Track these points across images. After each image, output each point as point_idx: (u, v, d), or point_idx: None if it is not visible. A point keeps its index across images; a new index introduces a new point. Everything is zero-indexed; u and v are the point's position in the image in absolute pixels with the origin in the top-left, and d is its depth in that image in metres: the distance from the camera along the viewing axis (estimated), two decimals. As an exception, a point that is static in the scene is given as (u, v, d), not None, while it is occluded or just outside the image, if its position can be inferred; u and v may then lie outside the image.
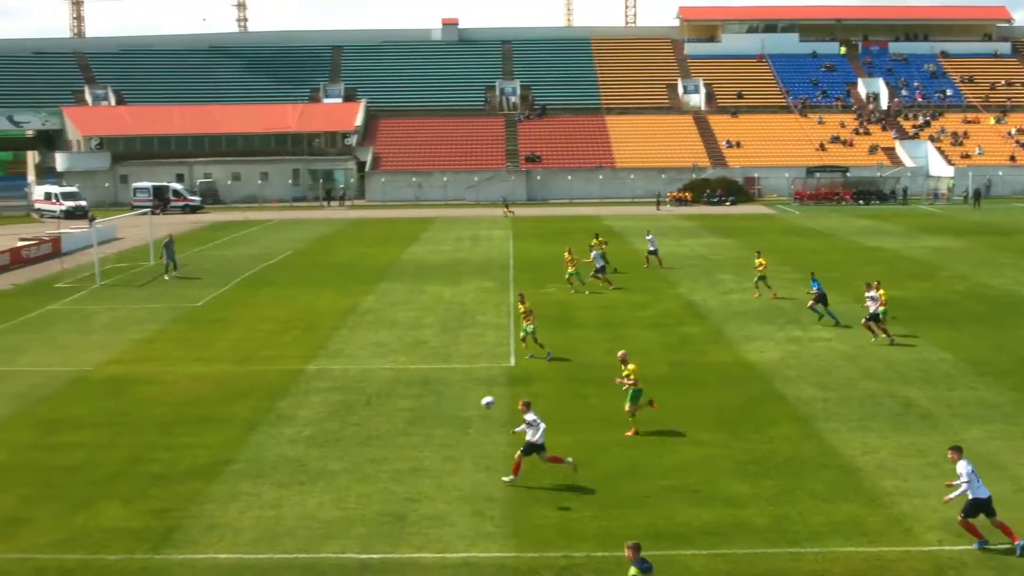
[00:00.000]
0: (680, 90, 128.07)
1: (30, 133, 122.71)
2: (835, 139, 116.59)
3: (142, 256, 62.01)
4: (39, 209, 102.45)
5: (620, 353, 27.96)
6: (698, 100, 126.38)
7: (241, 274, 55.61)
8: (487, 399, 24.99)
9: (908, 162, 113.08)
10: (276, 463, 24.19)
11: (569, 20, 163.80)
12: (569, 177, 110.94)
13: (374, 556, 19.21)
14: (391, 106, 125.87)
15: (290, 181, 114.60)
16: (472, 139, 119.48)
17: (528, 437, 22.91)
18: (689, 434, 26.01)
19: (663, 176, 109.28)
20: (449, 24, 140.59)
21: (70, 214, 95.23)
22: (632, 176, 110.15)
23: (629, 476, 23.08)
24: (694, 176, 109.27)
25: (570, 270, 48.83)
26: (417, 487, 22.56)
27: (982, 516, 19.37)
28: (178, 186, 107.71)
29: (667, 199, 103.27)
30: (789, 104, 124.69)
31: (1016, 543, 19.09)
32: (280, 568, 18.80)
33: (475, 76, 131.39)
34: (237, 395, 30.55)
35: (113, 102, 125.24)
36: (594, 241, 53.65)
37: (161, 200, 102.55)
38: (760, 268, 46.13)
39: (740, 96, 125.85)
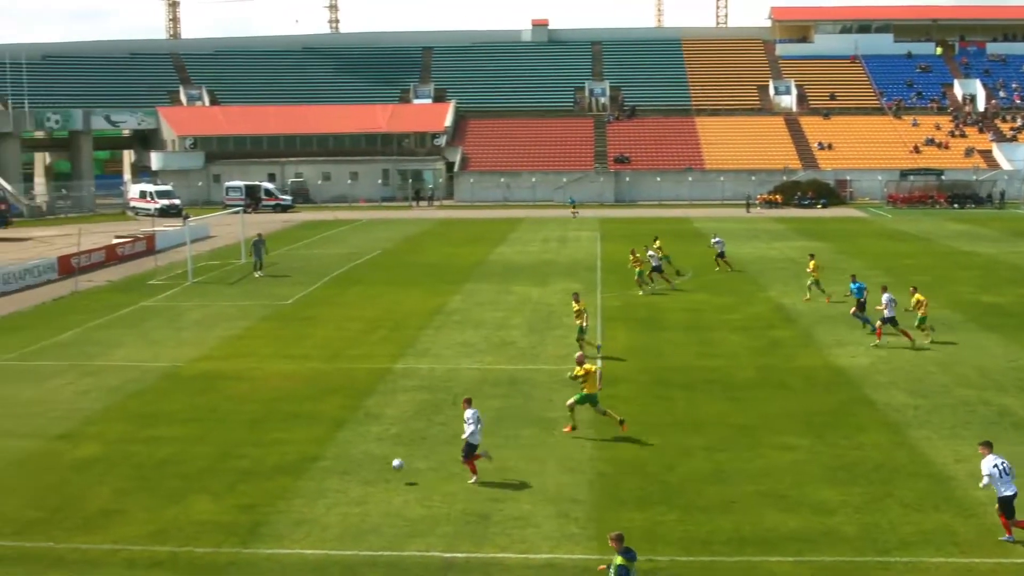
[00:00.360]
0: (771, 91, 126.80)
1: (126, 133, 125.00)
2: (930, 141, 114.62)
3: (233, 254, 62.88)
4: (134, 207, 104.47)
5: (577, 355, 28.13)
6: (789, 101, 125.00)
7: (330, 273, 56.14)
8: (397, 461, 23.36)
9: (1005, 165, 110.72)
10: (363, 460, 24.36)
11: (660, 20, 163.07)
12: (658, 179, 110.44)
13: (458, 555, 19.26)
14: (480, 107, 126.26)
15: (379, 181, 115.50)
16: (561, 140, 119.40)
17: (468, 436, 23.05)
18: (776, 439, 25.70)
19: (753, 178, 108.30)
20: (539, 25, 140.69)
21: (164, 212, 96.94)
22: (722, 178, 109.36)
23: (715, 480, 22.88)
24: (784, 178, 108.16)
25: (637, 269, 49.00)
26: (502, 487, 22.58)
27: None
28: (269, 185, 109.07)
29: (757, 201, 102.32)
30: (883, 106, 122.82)
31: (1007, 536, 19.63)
32: (365, 565, 18.93)
33: (564, 77, 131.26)
34: (325, 392, 30.84)
35: (207, 102, 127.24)
36: (653, 245, 53.68)
37: (253, 199, 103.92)
38: (813, 272, 45.89)
39: (832, 97, 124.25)
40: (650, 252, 50.90)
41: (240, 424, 27.69)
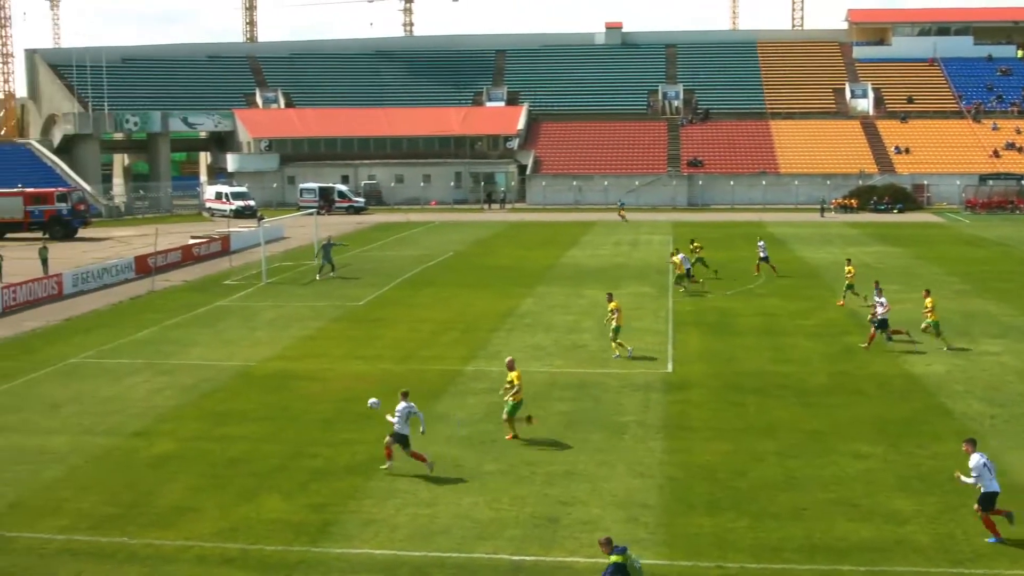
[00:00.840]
0: (847, 94, 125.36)
1: (203, 134, 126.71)
2: (1010, 146, 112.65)
3: (307, 255, 63.39)
4: (210, 208, 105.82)
5: (508, 359, 28.00)
6: (866, 105, 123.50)
7: (402, 275, 56.43)
8: (372, 400, 25.40)
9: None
10: (433, 462, 24.41)
11: (735, 23, 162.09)
12: (731, 182, 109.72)
13: (527, 558, 19.24)
14: (553, 109, 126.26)
15: (452, 183, 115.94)
16: (633, 143, 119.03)
17: (396, 428, 23.75)
18: (849, 446, 25.37)
19: (828, 182, 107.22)
20: (613, 27, 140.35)
21: (239, 213, 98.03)
22: (796, 182, 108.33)
23: (786, 487, 22.65)
24: (860, 183, 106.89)
25: (678, 273, 49.88)
26: (571, 491, 22.53)
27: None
28: (343, 187, 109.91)
29: (831, 206, 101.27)
30: (962, 109, 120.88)
31: (993, 538, 19.82)
32: (433, 566, 18.97)
33: (638, 79, 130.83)
34: (396, 393, 30.91)
35: (283, 105, 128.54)
36: (691, 246, 54.59)
37: (326, 201, 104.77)
38: (849, 276, 45.69)
39: (910, 101, 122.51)
40: (681, 255, 51.10)
41: (312, 424, 27.92)
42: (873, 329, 36.68)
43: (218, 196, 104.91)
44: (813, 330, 40.36)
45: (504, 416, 26.41)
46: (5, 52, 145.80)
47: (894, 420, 27.76)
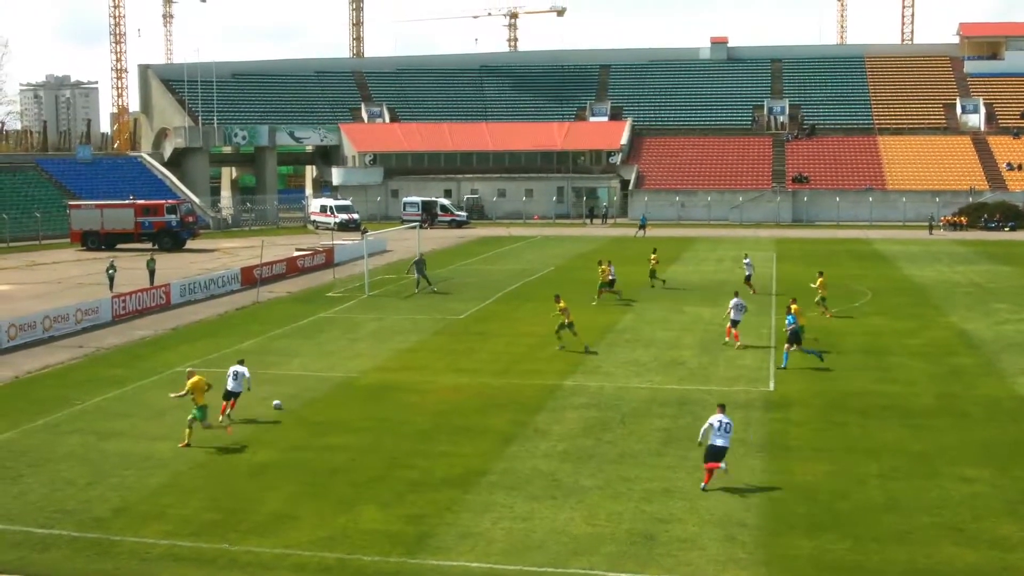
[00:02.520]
0: (958, 109, 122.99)
1: (309, 148, 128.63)
2: None
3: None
4: (314, 221, 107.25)
5: (188, 368, 29.83)
6: (977, 120, 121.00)
7: (503, 288, 56.57)
8: (276, 402, 30.43)
9: None
10: (530, 476, 24.41)
11: (842, 37, 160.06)
12: (837, 199, 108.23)
13: (622, 575, 19.10)
14: (656, 124, 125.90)
15: (554, 198, 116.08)
16: (738, 158, 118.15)
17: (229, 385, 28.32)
18: (955, 469, 24.78)
19: (937, 199, 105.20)
20: (718, 42, 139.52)
21: (343, 226, 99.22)
22: (904, 199, 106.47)
23: (889, 510, 22.19)
24: (970, 200, 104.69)
25: (601, 280, 51.18)
26: (668, 508, 22.34)
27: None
28: (445, 201, 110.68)
29: (940, 223, 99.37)
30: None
31: (704, 484, 23.37)
32: (529, 580, 18.94)
33: (743, 94, 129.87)
34: (494, 407, 31.03)
35: (387, 119, 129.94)
36: (652, 256, 57.18)
37: (429, 215, 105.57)
38: (819, 289, 46.95)
39: (1023, 116, 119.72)
40: (746, 260, 53.44)
41: (410, 435, 28.07)
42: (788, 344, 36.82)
43: (323, 209, 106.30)
44: (919, 350, 39.56)
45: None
46: (119, 68, 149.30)
47: (1002, 443, 27.05)
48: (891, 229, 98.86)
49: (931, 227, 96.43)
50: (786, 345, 36.62)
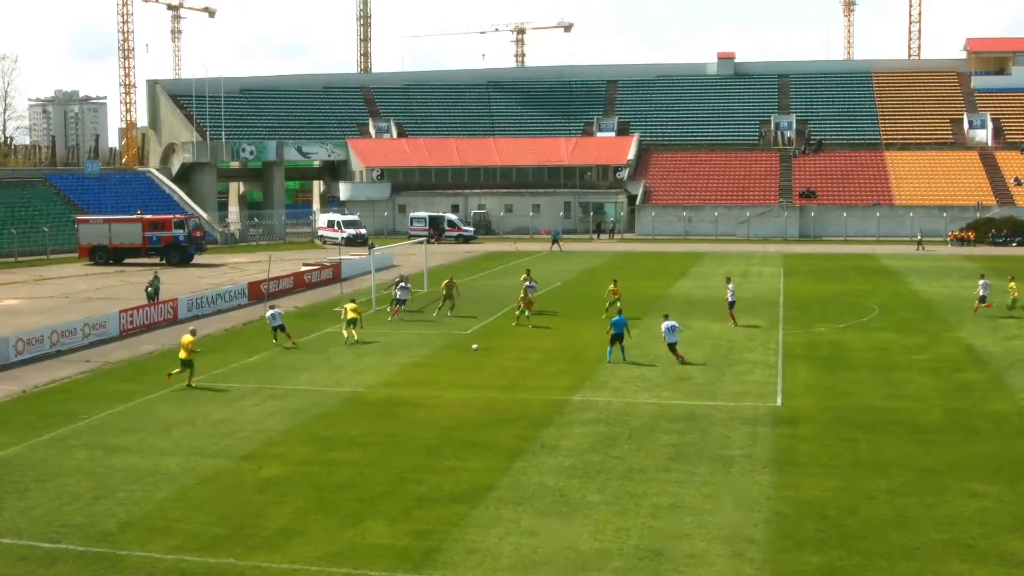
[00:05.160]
0: (965, 125, 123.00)
1: (317, 163, 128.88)
2: None
3: (415, 284, 63.75)
4: (322, 236, 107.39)
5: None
6: (984, 135, 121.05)
7: (510, 303, 56.44)
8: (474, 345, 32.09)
9: None
10: (537, 491, 24.35)
11: (849, 53, 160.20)
12: (844, 214, 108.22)
13: (630, 591, 19.03)
14: (664, 140, 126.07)
15: (561, 213, 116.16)
16: (745, 174, 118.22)
17: None
18: (964, 485, 24.68)
19: (944, 214, 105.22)
20: (725, 58, 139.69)
21: (350, 241, 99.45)
22: (911, 214, 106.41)
23: (898, 526, 22.10)
24: (978, 215, 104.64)
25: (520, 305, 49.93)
26: (676, 524, 22.27)
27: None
28: (453, 216, 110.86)
29: (949, 238, 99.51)
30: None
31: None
32: (536, 596, 18.87)
33: (750, 110, 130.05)
34: (502, 422, 30.99)
35: (395, 134, 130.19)
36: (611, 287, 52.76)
37: (436, 230, 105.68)
38: (614, 294, 50.70)
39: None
40: (729, 286, 50.88)
41: (417, 450, 28.03)
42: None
43: (330, 224, 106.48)
44: (927, 365, 39.48)
45: None
46: (128, 83, 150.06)
47: (1011, 459, 26.95)
48: (898, 244, 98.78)
49: (920, 243, 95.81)
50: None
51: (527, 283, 52.64)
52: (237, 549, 20.93)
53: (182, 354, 35.71)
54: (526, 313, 49.12)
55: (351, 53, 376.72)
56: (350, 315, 44.84)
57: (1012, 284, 51.24)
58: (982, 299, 51.46)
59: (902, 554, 20.56)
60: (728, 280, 53.19)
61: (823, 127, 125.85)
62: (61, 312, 53.94)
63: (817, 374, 37.70)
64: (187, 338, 36.15)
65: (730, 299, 49.88)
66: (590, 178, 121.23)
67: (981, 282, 52.64)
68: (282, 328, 44.45)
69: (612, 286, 52.17)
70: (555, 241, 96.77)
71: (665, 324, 40.08)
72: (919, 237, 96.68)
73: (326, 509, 23.31)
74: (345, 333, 44.85)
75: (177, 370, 36.08)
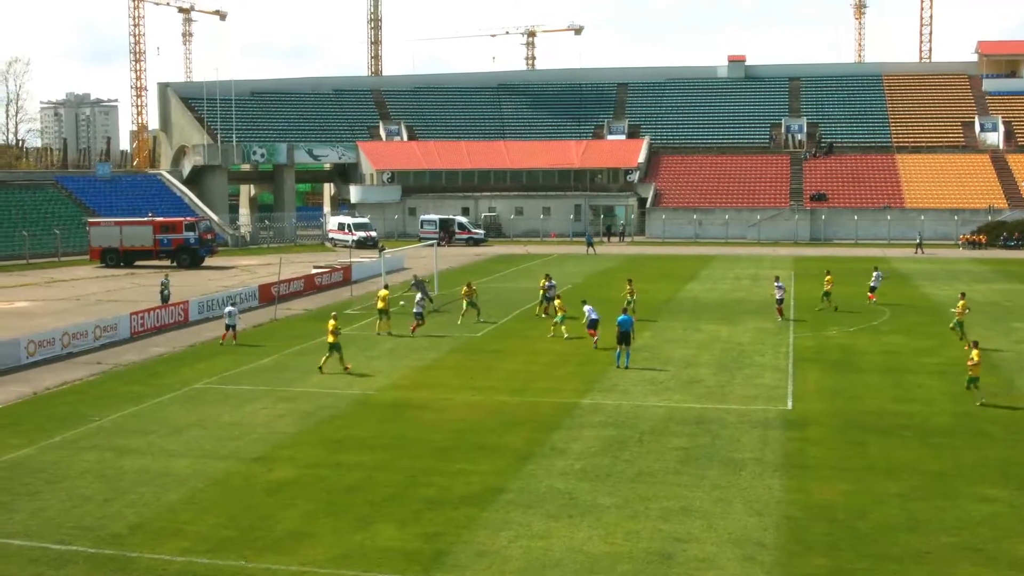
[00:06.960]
0: (977, 128, 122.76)
1: (327, 166, 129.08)
2: None
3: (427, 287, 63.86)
4: (332, 238, 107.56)
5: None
6: (996, 138, 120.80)
7: (520, 306, 56.52)
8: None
9: None
10: (547, 494, 24.34)
11: (860, 55, 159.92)
12: (855, 217, 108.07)
13: (640, 594, 19.01)
14: (674, 143, 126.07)
15: (571, 216, 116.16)
16: (755, 177, 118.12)
17: None
18: (974, 489, 24.62)
19: (956, 217, 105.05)
20: (736, 61, 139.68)
21: (361, 244, 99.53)
22: (922, 217, 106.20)
23: (908, 529, 22.05)
24: (989, 218, 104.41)
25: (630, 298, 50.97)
26: (686, 527, 22.24)
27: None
28: (463, 219, 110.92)
29: (959, 241, 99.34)
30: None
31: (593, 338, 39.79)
32: (546, 599, 18.85)
33: (760, 113, 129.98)
34: (511, 425, 30.98)
35: (405, 137, 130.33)
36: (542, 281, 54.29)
37: (447, 232, 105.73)
38: (629, 294, 51.18)
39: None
40: (778, 284, 51.95)
41: (427, 453, 28.03)
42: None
43: (341, 227, 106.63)
44: (937, 368, 39.38)
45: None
46: (139, 86, 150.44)
47: (1021, 463, 26.87)
48: (910, 247, 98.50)
49: (918, 246, 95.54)
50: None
51: (547, 284, 52.31)
52: (247, 551, 20.95)
53: (329, 338, 38.51)
54: (558, 319, 46.64)
55: (362, 56, 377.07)
56: (379, 304, 47.23)
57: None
58: (872, 289, 56.40)
59: (912, 558, 20.52)
60: (776, 279, 54.05)
61: (834, 130, 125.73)
62: (72, 314, 54.07)
63: (827, 377, 37.63)
64: (331, 323, 39.12)
65: (778, 296, 51.28)
66: (600, 181, 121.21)
67: (875, 274, 57.31)
68: (234, 328, 45.43)
69: (628, 287, 52.15)
70: (589, 244, 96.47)
71: (586, 308, 43.90)
72: (918, 240, 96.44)
73: (336, 511, 23.32)
74: (377, 326, 47.48)
75: (326, 356, 38.75)
